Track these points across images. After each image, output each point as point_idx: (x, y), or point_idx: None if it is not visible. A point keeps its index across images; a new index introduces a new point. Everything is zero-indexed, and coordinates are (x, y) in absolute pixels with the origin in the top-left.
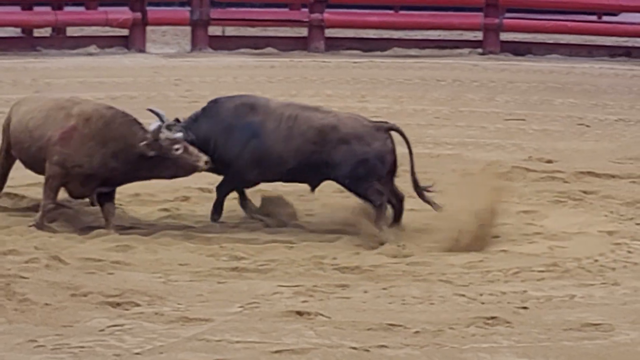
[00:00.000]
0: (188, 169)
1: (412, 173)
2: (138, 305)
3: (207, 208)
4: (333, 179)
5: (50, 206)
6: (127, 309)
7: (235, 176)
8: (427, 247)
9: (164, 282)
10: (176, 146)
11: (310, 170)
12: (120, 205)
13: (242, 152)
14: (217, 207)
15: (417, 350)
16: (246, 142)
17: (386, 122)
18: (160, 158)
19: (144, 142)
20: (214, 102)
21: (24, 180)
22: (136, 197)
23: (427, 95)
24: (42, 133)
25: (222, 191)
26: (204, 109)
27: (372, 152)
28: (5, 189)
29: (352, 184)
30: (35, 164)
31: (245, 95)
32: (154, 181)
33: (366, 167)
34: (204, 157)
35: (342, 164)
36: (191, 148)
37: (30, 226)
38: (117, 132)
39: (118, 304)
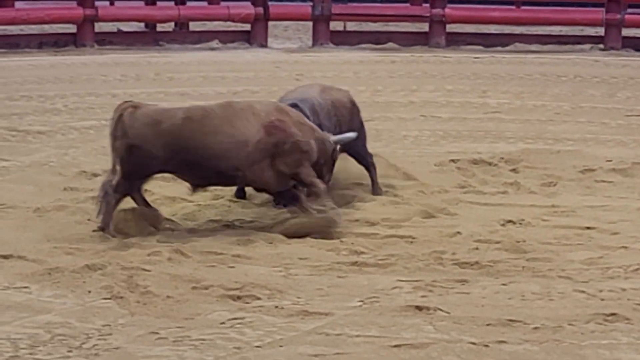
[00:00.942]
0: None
1: None
2: (258, 298)
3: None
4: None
5: None
6: (247, 302)
7: None
8: None
9: (284, 276)
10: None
11: None
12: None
13: None
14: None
15: (536, 346)
16: None
17: None
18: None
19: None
20: None
21: None
22: None
23: (547, 91)
24: None
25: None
26: None
27: None
28: None
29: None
30: None
31: None
32: None
33: None
34: None
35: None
36: None
37: None
38: None
39: (239, 297)
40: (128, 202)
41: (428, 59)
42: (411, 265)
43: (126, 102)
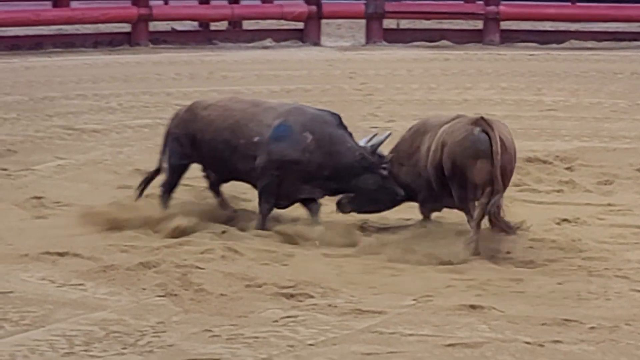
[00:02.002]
0: None
1: None
2: (312, 296)
3: None
4: None
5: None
6: (300, 301)
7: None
8: None
9: (337, 274)
10: None
11: None
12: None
13: None
14: None
15: (593, 346)
16: None
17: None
18: None
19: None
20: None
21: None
22: None
23: (603, 88)
24: None
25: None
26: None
27: None
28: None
29: None
30: None
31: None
32: None
33: None
34: None
35: None
36: None
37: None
38: None
39: (292, 295)
40: None
41: (482, 57)
42: (465, 264)
43: None
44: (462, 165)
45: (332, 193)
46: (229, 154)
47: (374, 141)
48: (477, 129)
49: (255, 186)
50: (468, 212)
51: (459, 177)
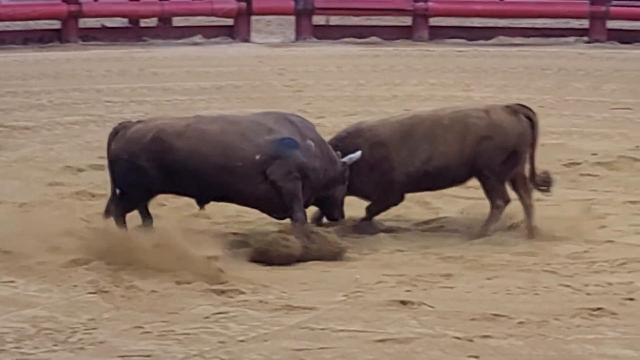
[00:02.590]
0: None
1: None
2: (242, 293)
3: None
4: None
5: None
6: (231, 297)
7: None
8: None
9: (267, 271)
10: None
11: None
12: None
13: None
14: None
15: (521, 340)
16: None
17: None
18: None
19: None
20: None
21: None
22: None
23: (532, 84)
24: None
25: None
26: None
27: None
28: None
29: None
30: None
31: None
32: None
33: None
34: None
35: None
36: None
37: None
38: None
39: (223, 292)
40: None
41: (411, 53)
42: (396, 260)
43: None
44: (521, 152)
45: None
46: (225, 178)
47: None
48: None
49: (250, 206)
50: (502, 197)
51: (509, 164)
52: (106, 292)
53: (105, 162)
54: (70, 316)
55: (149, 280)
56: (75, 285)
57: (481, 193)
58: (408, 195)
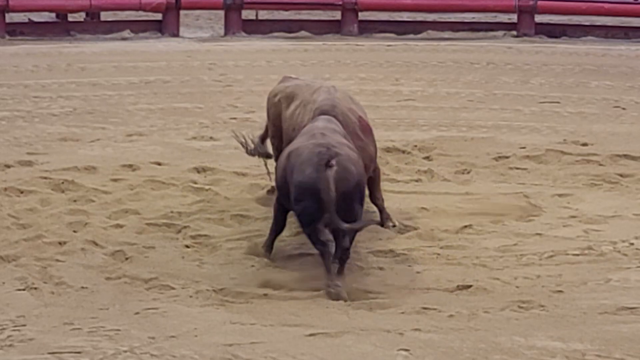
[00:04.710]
0: None
1: None
2: (173, 288)
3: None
4: None
5: None
6: (162, 292)
7: None
8: None
9: (198, 266)
10: None
11: None
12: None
13: None
14: None
15: (451, 333)
16: None
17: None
18: None
19: None
20: None
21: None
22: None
23: (461, 78)
24: None
25: None
26: None
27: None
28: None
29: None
30: None
31: None
32: None
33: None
34: None
35: None
36: None
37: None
38: None
39: (153, 287)
40: None
41: (341, 47)
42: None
43: None
44: None
45: None
46: None
47: None
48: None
49: None
50: None
51: None
52: (35, 288)
53: (33, 157)
54: None
55: (78, 277)
56: (3, 282)
57: (411, 187)
58: None
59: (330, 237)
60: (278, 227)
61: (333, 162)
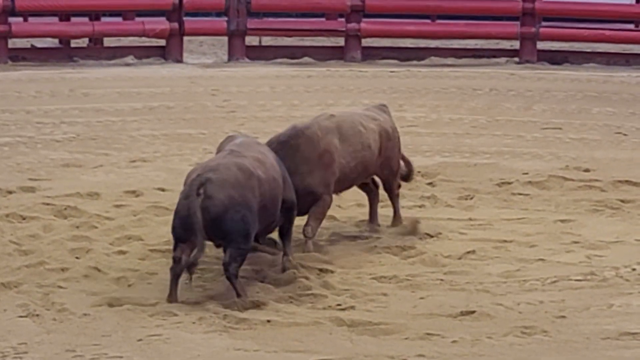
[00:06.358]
0: None
1: None
2: (176, 315)
3: None
4: None
5: None
6: (165, 319)
7: None
8: None
9: (201, 292)
10: None
11: None
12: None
13: None
14: None
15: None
16: None
17: None
18: None
19: None
20: None
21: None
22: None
23: (463, 104)
24: None
25: None
26: None
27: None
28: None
29: None
30: None
31: None
32: None
33: None
34: None
35: None
36: None
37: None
38: None
39: (156, 314)
40: None
41: (344, 74)
42: (330, 280)
43: None
44: None
45: None
46: None
47: None
48: None
49: None
50: None
51: None
52: (37, 315)
53: (35, 183)
54: (0, 340)
55: (80, 303)
56: (5, 309)
57: (414, 212)
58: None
59: (179, 255)
60: None
61: (201, 191)
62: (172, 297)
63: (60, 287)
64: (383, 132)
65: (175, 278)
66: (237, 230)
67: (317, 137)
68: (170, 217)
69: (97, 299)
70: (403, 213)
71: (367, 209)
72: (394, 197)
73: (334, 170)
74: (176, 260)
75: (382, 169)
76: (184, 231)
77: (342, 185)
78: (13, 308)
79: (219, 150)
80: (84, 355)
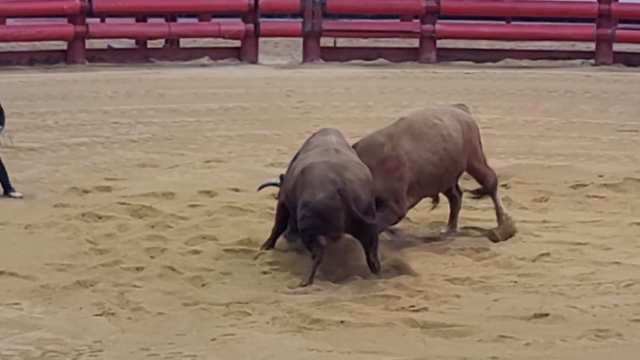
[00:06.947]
0: None
1: None
2: (249, 314)
3: None
4: None
5: None
6: (239, 319)
7: None
8: None
9: (275, 291)
10: None
11: None
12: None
13: None
14: None
15: None
16: None
17: None
18: None
19: None
20: None
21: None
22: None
23: (538, 106)
24: None
25: None
26: None
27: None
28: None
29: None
30: None
31: None
32: None
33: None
34: None
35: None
36: None
37: None
38: None
39: (230, 313)
40: None
41: (419, 75)
42: (406, 281)
43: None
44: None
45: None
46: None
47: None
48: None
49: None
50: None
51: None
52: (112, 314)
53: (111, 183)
54: (75, 338)
55: (155, 302)
56: (80, 308)
57: (488, 214)
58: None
59: (325, 242)
60: (279, 227)
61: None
62: (311, 281)
63: (135, 286)
64: (463, 122)
65: (318, 264)
66: (375, 225)
67: (378, 143)
68: (244, 217)
69: (172, 298)
70: (476, 215)
71: (440, 211)
72: (493, 194)
73: (402, 175)
74: (323, 247)
75: (471, 160)
76: (325, 229)
77: (432, 186)
78: (89, 306)
79: (308, 142)
80: (158, 354)
